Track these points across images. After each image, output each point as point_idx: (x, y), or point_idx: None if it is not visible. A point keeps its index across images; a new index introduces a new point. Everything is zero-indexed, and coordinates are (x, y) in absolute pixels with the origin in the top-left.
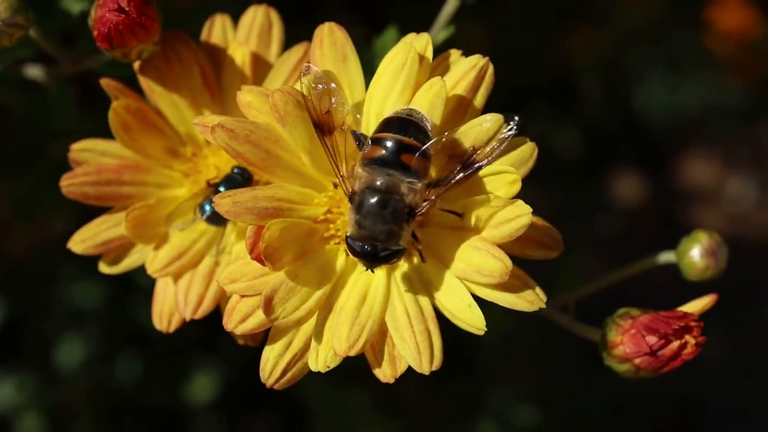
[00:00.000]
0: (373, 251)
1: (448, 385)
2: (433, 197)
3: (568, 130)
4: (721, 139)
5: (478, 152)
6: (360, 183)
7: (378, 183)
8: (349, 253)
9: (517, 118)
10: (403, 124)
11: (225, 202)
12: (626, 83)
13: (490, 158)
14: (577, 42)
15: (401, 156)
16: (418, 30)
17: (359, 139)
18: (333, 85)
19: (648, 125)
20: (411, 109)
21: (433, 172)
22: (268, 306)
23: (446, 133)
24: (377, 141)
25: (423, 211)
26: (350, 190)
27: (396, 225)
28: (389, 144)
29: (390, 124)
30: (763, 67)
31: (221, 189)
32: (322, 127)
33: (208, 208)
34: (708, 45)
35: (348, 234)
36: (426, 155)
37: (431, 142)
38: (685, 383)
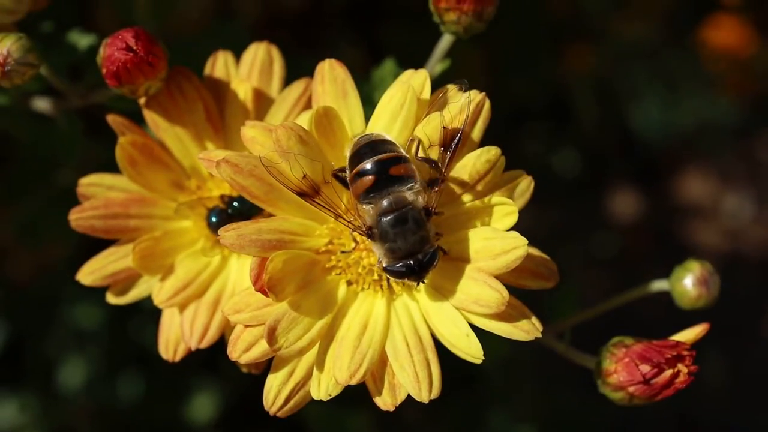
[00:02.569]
0: (418, 262)
1: (448, 405)
2: (436, 189)
3: (564, 150)
4: (717, 156)
5: (449, 128)
6: (370, 217)
7: (385, 205)
8: (395, 279)
9: (466, 81)
10: (371, 146)
11: (230, 235)
12: (622, 102)
13: (466, 123)
14: (572, 61)
15: (389, 171)
16: (416, 58)
17: (345, 180)
18: (294, 152)
19: (644, 143)
20: (369, 134)
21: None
22: (272, 336)
23: (413, 136)
24: (361, 173)
25: (435, 204)
26: (365, 229)
27: (423, 230)
28: (372, 167)
29: (359, 155)
30: (757, 84)
31: (236, 204)
32: (307, 193)
33: (215, 219)
34: (703, 63)
35: (385, 265)
36: (406, 159)
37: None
38: (684, 403)
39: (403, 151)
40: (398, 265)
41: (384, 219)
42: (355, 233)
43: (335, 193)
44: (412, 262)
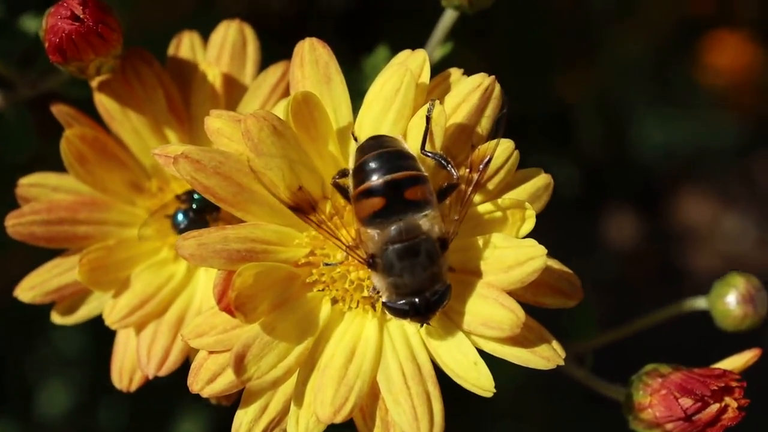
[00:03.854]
0: (425, 302)
1: (449, 425)
2: (456, 217)
3: (564, 166)
4: (717, 177)
5: (479, 145)
6: (374, 243)
7: (394, 233)
8: (395, 317)
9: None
10: (382, 158)
11: (189, 244)
12: (621, 120)
13: (496, 143)
14: (572, 79)
15: (404, 194)
16: (413, 47)
17: (345, 190)
18: (293, 156)
19: (643, 163)
20: (378, 137)
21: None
22: (240, 365)
23: (440, 156)
24: (368, 193)
25: (453, 236)
26: (366, 256)
27: (436, 266)
28: (382, 188)
29: (367, 168)
30: (760, 103)
31: (197, 196)
32: (303, 208)
33: (181, 217)
34: (703, 81)
35: (385, 301)
36: (424, 179)
37: (427, 154)
38: None
39: (421, 167)
40: (401, 302)
41: (391, 249)
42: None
43: (333, 210)
44: (418, 300)
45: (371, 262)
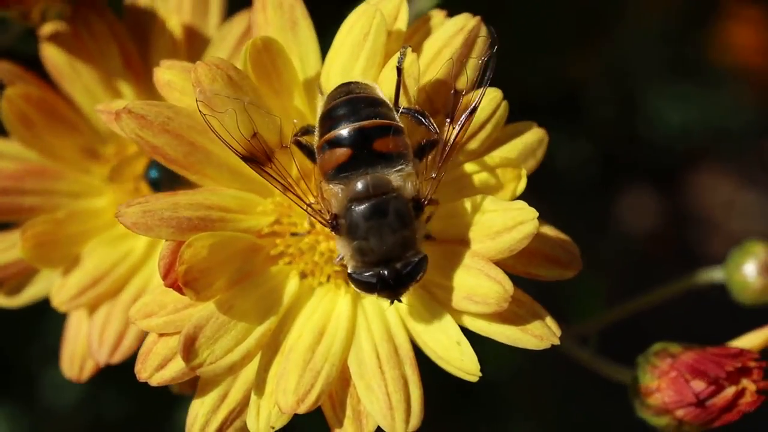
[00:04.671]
0: (394, 274)
1: (454, 419)
2: (433, 175)
3: (578, 146)
4: (734, 157)
5: (463, 92)
6: (337, 201)
7: (360, 188)
8: (362, 292)
9: (493, 30)
10: (351, 104)
11: (132, 211)
12: (635, 99)
13: (482, 93)
14: (585, 57)
15: (372, 145)
16: None
17: (309, 149)
18: (247, 99)
19: (658, 143)
20: (350, 83)
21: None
22: (190, 348)
23: (416, 112)
24: (333, 143)
25: (430, 196)
26: (329, 218)
27: (407, 228)
28: (348, 138)
29: (334, 115)
30: None
31: None
32: (257, 157)
33: (154, 173)
34: (719, 59)
35: (350, 271)
36: (399, 130)
37: (401, 110)
38: None
39: (396, 116)
40: (367, 273)
41: (356, 207)
42: (314, 219)
43: (292, 164)
44: (386, 272)
45: (334, 224)
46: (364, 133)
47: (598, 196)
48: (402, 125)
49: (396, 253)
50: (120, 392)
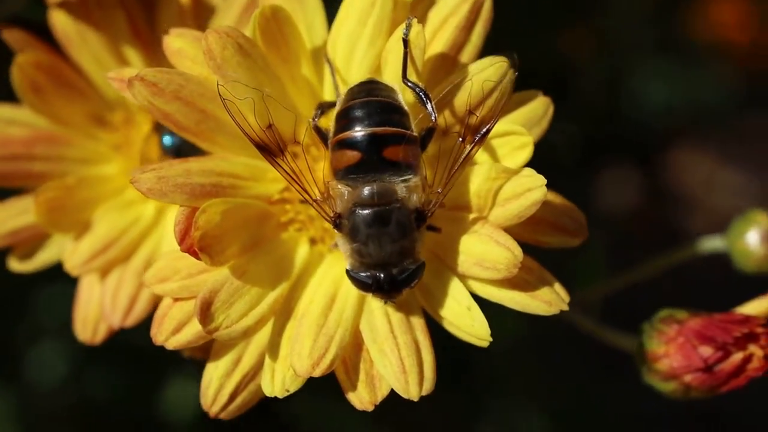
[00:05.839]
0: (390, 278)
1: (448, 392)
2: (439, 189)
3: (559, 124)
4: (715, 134)
5: (477, 112)
6: (343, 202)
7: (366, 195)
8: (356, 288)
9: (515, 56)
10: (368, 108)
11: (147, 177)
12: (620, 78)
13: (496, 118)
14: (571, 36)
15: (382, 152)
16: None
17: (325, 136)
18: (267, 91)
19: (640, 121)
20: (371, 82)
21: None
22: (206, 313)
23: (420, 89)
24: (344, 143)
25: (433, 210)
26: (333, 215)
27: (407, 239)
28: (360, 142)
29: (350, 115)
30: (757, 59)
31: None
32: (269, 148)
33: (168, 139)
34: (701, 37)
35: (348, 268)
36: (412, 140)
37: (420, 118)
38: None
39: (411, 125)
40: (363, 274)
41: (359, 211)
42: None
43: (305, 157)
44: (381, 275)
45: (337, 222)
46: (377, 138)
47: (580, 174)
48: (416, 135)
49: (393, 260)
50: (107, 371)
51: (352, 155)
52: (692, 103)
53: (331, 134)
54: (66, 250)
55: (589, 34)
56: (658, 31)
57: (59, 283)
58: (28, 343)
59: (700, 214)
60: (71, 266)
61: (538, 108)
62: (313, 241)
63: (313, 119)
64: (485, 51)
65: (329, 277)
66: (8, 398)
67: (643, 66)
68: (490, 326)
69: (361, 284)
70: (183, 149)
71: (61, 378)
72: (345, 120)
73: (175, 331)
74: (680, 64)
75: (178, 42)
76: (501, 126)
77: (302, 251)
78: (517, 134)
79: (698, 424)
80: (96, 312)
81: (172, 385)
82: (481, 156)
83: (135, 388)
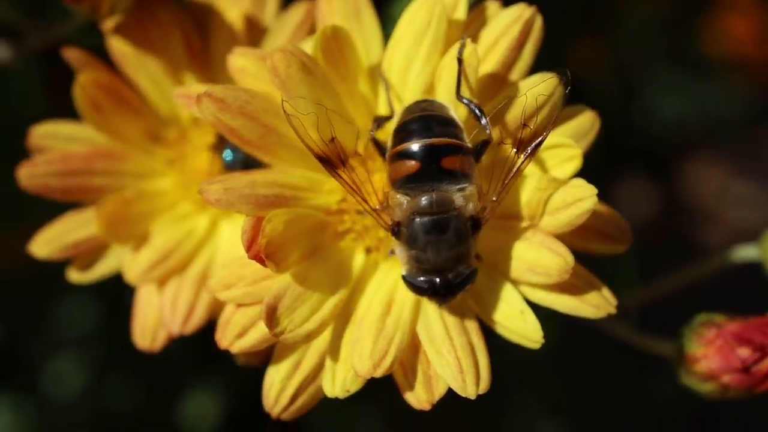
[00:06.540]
0: (446, 283)
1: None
2: (494, 198)
3: None
4: (728, 146)
5: (530, 125)
6: (401, 211)
7: (424, 203)
8: (414, 294)
9: (568, 72)
10: (425, 121)
11: (215, 188)
12: (633, 90)
13: (548, 130)
14: (584, 48)
15: (440, 162)
16: None
17: (382, 148)
18: (328, 106)
19: (653, 133)
20: (426, 101)
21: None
22: (272, 317)
23: (485, 120)
24: (403, 155)
25: (489, 216)
26: (391, 223)
27: (463, 246)
28: (418, 152)
29: (408, 129)
30: None
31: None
32: (331, 161)
33: (229, 154)
34: (714, 49)
35: (405, 273)
36: (467, 150)
37: (475, 132)
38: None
39: (465, 138)
40: (421, 278)
41: (418, 220)
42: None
43: (364, 170)
44: (438, 280)
45: (396, 230)
46: (434, 149)
47: (594, 185)
48: (470, 146)
49: (449, 266)
50: (125, 383)
51: (411, 165)
52: (706, 115)
53: (389, 147)
54: (125, 261)
55: (602, 47)
56: (672, 45)
57: (78, 296)
58: (46, 355)
59: (713, 226)
60: (132, 276)
61: (585, 122)
62: (368, 250)
63: (372, 130)
64: None
65: (386, 283)
66: (26, 410)
67: (656, 79)
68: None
69: (418, 288)
70: (244, 163)
71: (79, 390)
72: (404, 133)
73: (239, 335)
74: (694, 78)
75: (241, 60)
76: (550, 139)
77: (359, 259)
78: (566, 146)
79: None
80: (155, 320)
81: (190, 397)
82: (531, 168)
83: (153, 401)
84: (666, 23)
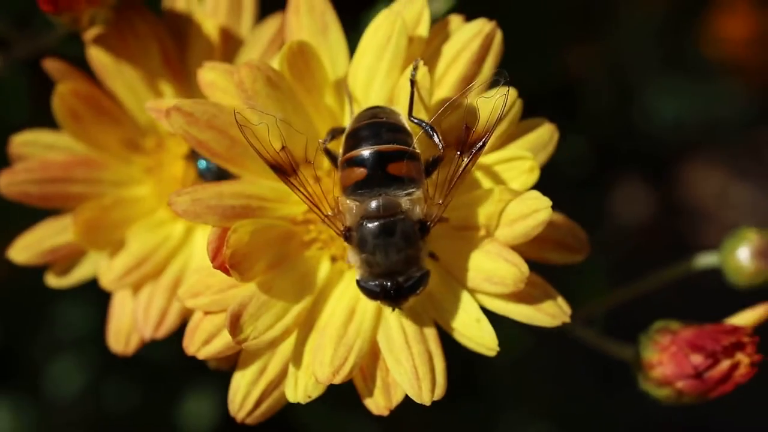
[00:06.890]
0: (396, 286)
1: (457, 407)
2: (440, 201)
3: (573, 141)
4: (726, 149)
5: (474, 129)
6: (351, 216)
7: (372, 208)
8: (366, 297)
9: (506, 72)
10: (374, 129)
11: (182, 200)
12: (631, 92)
13: (489, 132)
14: (581, 52)
15: (387, 167)
16: None
17: (335, 157)
18: (279, 115)
19: (651, 135)
20: (377, 108)
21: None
22: (236, 324)
23: (426, 124)
24: (353, 162)
25: (436, 219)
26: (343, 228)
27: (412, 248)
28: (367, 159)
29: (358, 136)
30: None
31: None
32: (283, 168)
33: (204, 163)
34: (712, 51)
35: (358, 278)
36: (414, 156)
37: (417, 138)
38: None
39: (414, 143)
40: (372, 283)
41: (367, 224)
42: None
43: (314, 177)
44: (388, 283)
45: (347, 236)
46: (382, 155)
47: (592, 189)
48: (418, 152)
49: (399, 269)
50: (124, 385)
51: (360, 172)
52: (703, 118)
53: (340, 154)
54: (101, 267)
55: (600, 49)
56: (670, 47)
57: (76, 298)
58: (46, 356)
59: (712, 228)
60: (107, 282)
61: (544, 134)
62: (333, 259)
63: (324, 142)
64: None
65: (349, 291)
66: (27, 411)
67: (654, 81)
68: (502, 342)
69: (370, 292)
70: (217, 172)
71: (79, 391)
72: (353, 140)
73: (205, 342)
74: (692, 80)
75: (210, 74)
76: (509, 151)
77: (324, 268)
78: (524, 159)
79: None
80: (128, 325)
81: (189, 398)
82: (489, 180)
83: (152, 402)
84: (664, 25)
